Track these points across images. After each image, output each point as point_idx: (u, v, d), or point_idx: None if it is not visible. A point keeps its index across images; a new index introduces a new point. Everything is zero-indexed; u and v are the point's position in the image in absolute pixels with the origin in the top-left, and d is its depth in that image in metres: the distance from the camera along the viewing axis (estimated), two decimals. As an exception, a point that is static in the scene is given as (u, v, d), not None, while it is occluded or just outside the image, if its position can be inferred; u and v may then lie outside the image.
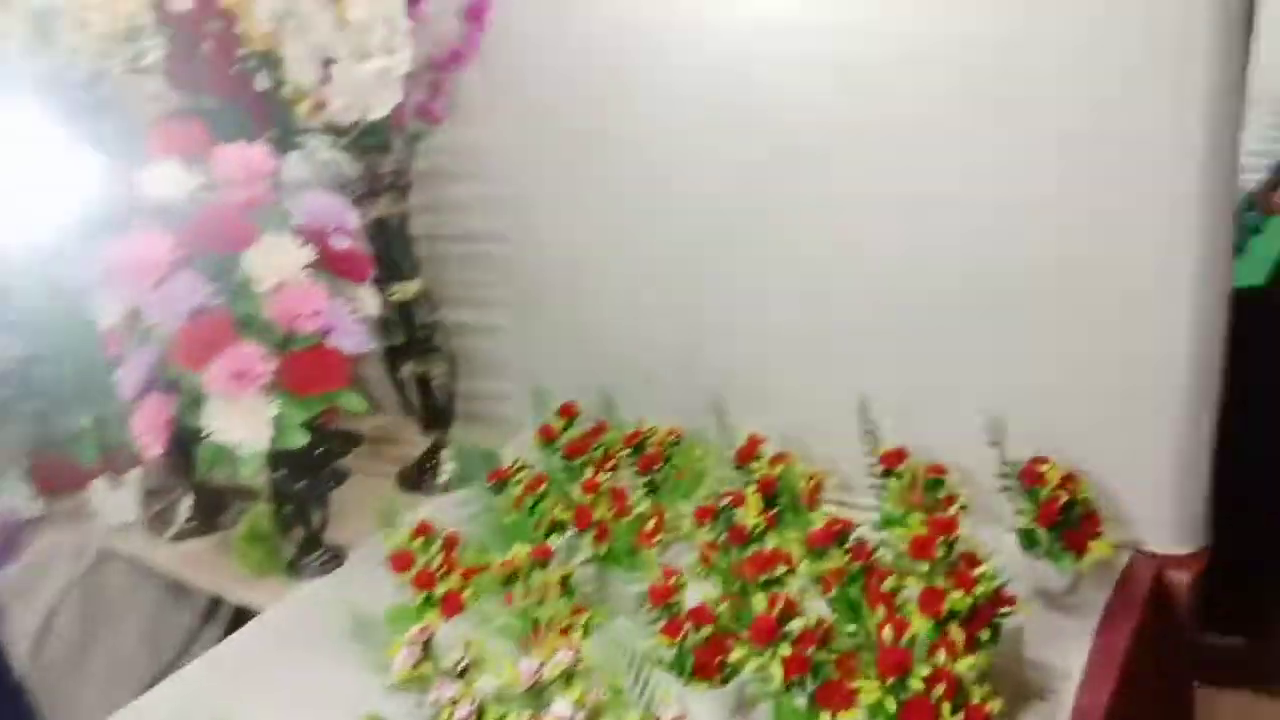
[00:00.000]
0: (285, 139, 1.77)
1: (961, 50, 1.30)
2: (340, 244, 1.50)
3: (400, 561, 1.45)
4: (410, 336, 1.87)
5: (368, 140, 1.66)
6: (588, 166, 1.75)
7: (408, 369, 1.88)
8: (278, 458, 1.56)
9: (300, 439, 1.48)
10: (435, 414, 1.93)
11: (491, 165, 1.87)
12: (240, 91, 1.69)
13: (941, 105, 1.34)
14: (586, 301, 1.86)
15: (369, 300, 1.59)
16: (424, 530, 1.51)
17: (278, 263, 1.40)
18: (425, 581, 1.43)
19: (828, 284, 1.54)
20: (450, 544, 1.47)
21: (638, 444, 1.66)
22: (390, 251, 1.80)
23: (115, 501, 2.00)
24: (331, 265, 1.52)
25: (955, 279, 1.41)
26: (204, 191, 1.44)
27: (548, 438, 1.76)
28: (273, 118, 1.72)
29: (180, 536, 1.94)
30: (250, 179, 1.45)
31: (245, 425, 1.41)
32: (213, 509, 1.97)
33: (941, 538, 1.22)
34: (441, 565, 1.43)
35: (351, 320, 1.51)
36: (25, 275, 1.84)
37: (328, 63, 1.52)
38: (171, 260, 1.36)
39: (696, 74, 1.54)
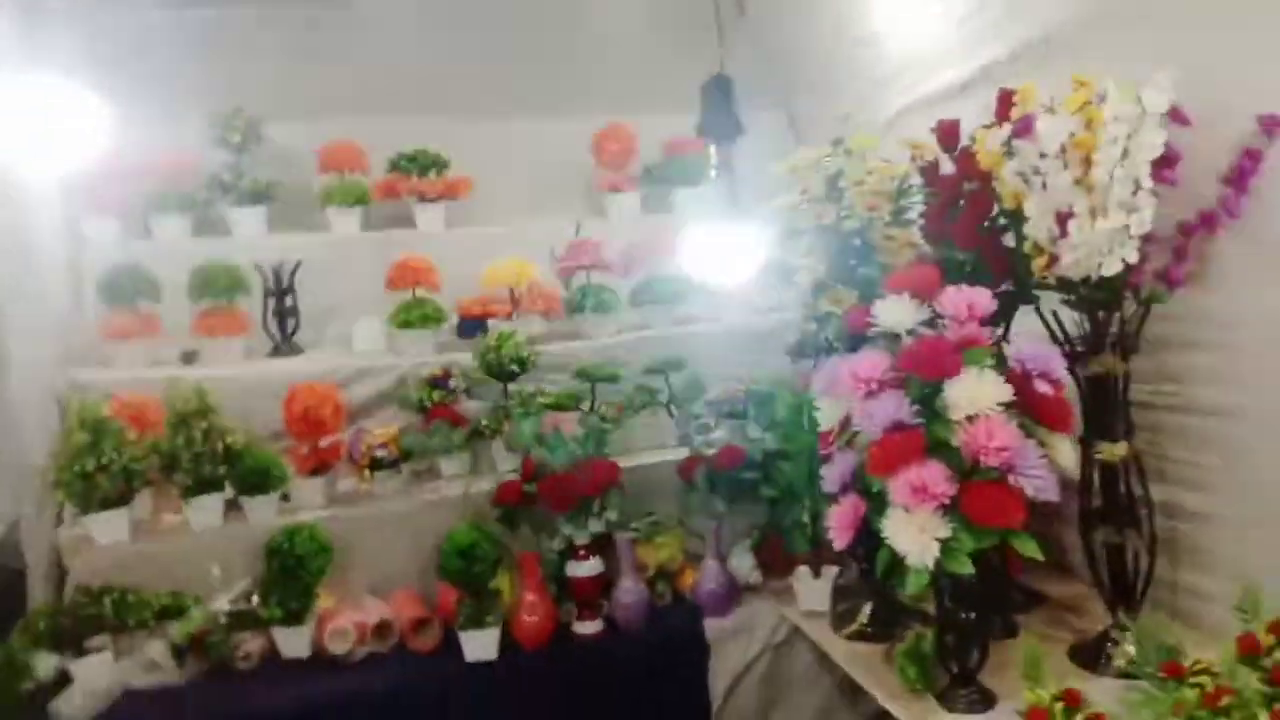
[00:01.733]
0: (1021, 291, 1.89)
1: None
2: (1043, 389, 1.54)
3: (1035, 717, 1.40)
4: (1109, 502, 1.79)
5: (1096, 296, 1.68)
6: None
7: (1100, 536, 1.80)
8: (954, 586, 1.65)
9: (966, 567, 1.53)
10: (1124, 591, 1.80)
11: (1231, 336, 1.71)
12: (985, 245, 1.86)
13: None
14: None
15: (1065, 451, 1.59)
16: (1072, 699, 1.43)
17: (974, 395, 1.50)
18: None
19: None
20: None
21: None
22: (1103, 410, 1.77)
23: (812, 590, 2.27)
24: (1032, 409, 1.56)
25: None
26: (927, 326, 1.62)
27: (1248, 649, 1.51)
28: (1012, 271, 1.86)
29: (855, 636, 2.12)
30: (969, 318, 1.58)
31: (916, 538, 1.52)
32: (889, 619, 2.11)
33: None
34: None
35: (1041, 465, 1.53)
36: (782, 384, 2.25)
37: (1065, 219, 1.59)
38: (883, 378, 1.56)
39: None
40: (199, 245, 2.87)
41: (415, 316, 2.73)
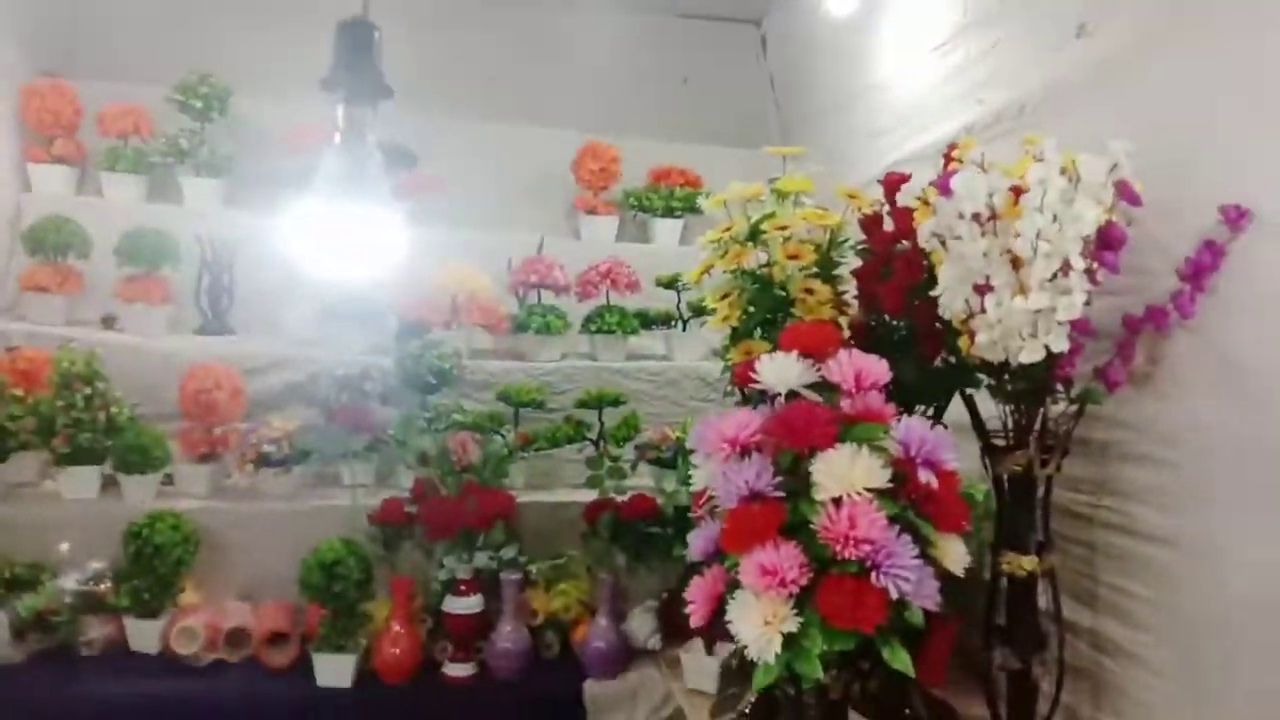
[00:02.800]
0: (959, 371, 1.68)
1: None
2: (925, 479, 1.34)
3: None
4: (1014, 622, 1.57)
5: (1018, 385, 1.47)
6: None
7: (998, 658, 1.58)
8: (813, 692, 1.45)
9: (815, 670, 1.33)
10: (1018, 715, 1.57)
11: (1173, 452, 1.48)
12: (917, 314, 1.66)
13: None
14: (1256, 663, 1.33)
15: (951, 554, 1.38)
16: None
17: (842, 475, 1.30)
18: None
19: None
20: None
21: None
22: (1016, 515, 1.55)
23: (701, 667, 2.06)
24: (915, 501, 1.36)
25: None
26: (809, 390, 1.42)
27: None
28: (943, 345, 1.66)
29: (730, 726, 1.90)
30: (857, 388, 1.39)
31: (758, 629, 1.32)
32: (771, 711, 1.89)
33: None
34: None
35: (916, 566, 1.32)
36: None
37: (984, 292, 1.39)
38: (747, 441, 1.36)
39: None
40: (149, 210, 2.77)
41: (346, 311, 2.59)
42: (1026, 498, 1.53)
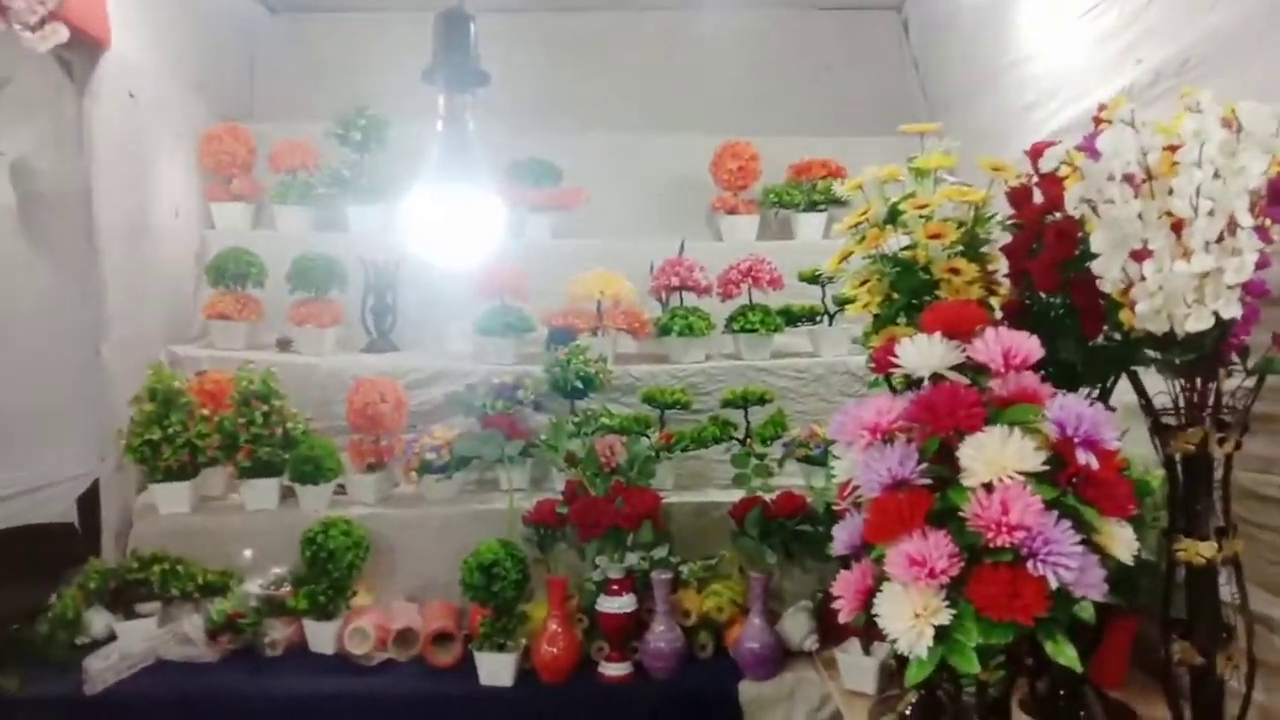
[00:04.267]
0: (1122, 347, 1.58)
1: None
2: (1086, 460, 1.25)
3: None
4: (1194, 614, 1.44)
5: (1186, 357, 1.36)
6: None
7: (1179, 652, 1.46)
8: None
9: (970, 665, 1.26)
10: (1197, 710, 1.45)
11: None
12: (1074, 289, 1.57)
13: None
14: None
15: (1118, 540, 1.29)
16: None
17: (992, 458, 1.24)
18: None
19: None
20: None
21: None
22: (1192, 500, 1.43)
23: (858, 667, 2.01)
24: (1074, 484, 1.28)
25: None
26: (955, 372, 1.36)
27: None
28: (1104, 321, 1.55)
29: (889, 727, 1.84)
30: (1007, 367, 1.32)
31: (908, 622, 1.27)
32: (933, 712, 1.82)
33: None
34: None
35: (1078, 553, 1.24)
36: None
37: (1142, 258, 1.29)
38: (888, 427, 1.32)
39: None
40: (317, 239, 2.96)
41: (498, 324, 2.68)
42: (1202, 479, 1.41)
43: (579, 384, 2.45)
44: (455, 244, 2.06)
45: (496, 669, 2.10)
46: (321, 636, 2.23)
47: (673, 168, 3.16)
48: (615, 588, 2.14)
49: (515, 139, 3.07)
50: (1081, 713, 1.72)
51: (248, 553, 2.24)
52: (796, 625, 2.21)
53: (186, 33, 2.94)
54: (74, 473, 2.46)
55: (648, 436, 2.42)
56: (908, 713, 1.85)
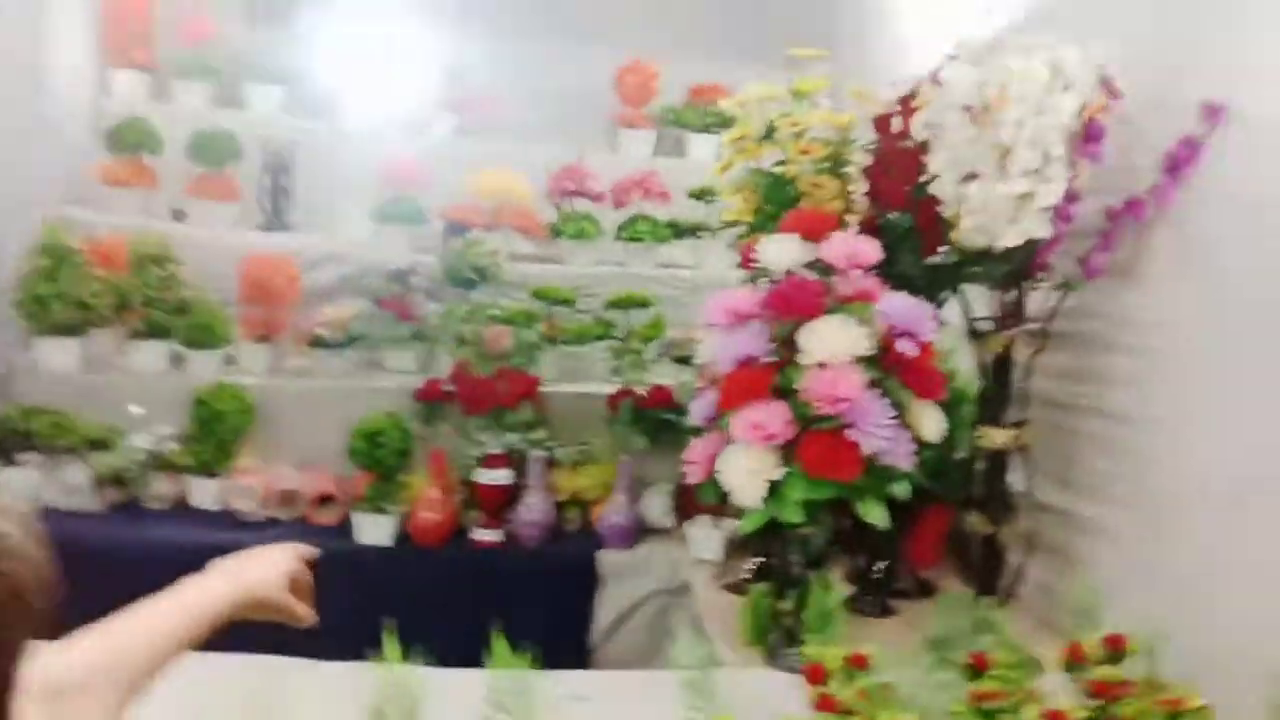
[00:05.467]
0: (958, 265, 1.79)
1: None
2: (905, 349, 1.47)
3: (815, 674, 1.34)
4: (989, 491, 1.70)
5: (997, 270, 1.59)
6: (1254, 357, 1.37)
7: (972, 521, 1.71)
8: (796, 541, 1.60)
9: (795, 516, 1.48)
10: (990, 585, 1.72)
11: (1152, 340, 1.59)
12: (920, 210, 1.77)
13: None
14: (1215, 518, 1.45)
15: (928, 420, 1.51)
16: (857, 662, 1.36)
17: (827, 341, 1.44)
18: (827, 706, 1.29)
19: None
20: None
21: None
22: (996, 393, 1.67)
23: (707, 537, 2.23)
24: (894, 369, 1.49)
25: None
26: (807, 269, 1.55)
27: (1074, 658, 1.42)
28: (941, 239, 1.77)
29: (731, 587, 2.06)
30: (848, 267, 1.51)
31: (746, 476, 1.47)
32: (774, 575, 2.04)
33: None
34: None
35: (891, 427, 1.46)
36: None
37: (971, 180, 1.50)
38: (746, 311, 1.50)
39: None
40: (215, 115, 2.95)
41: (395, 212, 2.76)
42: (1005, 377, 1.66)
43: (473, 275, 2.57)
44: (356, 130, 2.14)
45: (376, 530, 2.25)
46: (205, 492, 2.33)
47: (576, 79, 3.25)
48: (494, 462, 2.30)
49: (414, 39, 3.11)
50: (892, 584, 2.00)
51: (135, 408, 2.30)
52: (656, 504, 2.43)
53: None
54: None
55: (533, 329, 2.57)
56: (748, 575, 2.10)
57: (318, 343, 2.47)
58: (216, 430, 2.29)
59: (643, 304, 2.66)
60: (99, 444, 2.32)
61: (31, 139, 2.59)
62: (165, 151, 2.81)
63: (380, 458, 2.22)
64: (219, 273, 2.65)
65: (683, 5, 3.33)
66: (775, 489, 1.48)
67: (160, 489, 2.31)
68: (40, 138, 2.65)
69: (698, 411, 1.66)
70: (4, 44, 2.42)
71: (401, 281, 2.58)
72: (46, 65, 2.67)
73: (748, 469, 1.48)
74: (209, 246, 2.70)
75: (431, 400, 2.34)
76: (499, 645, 1.15)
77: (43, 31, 2.65)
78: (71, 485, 2.26)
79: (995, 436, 1.65)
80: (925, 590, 2.08)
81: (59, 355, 2.39)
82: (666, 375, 2.55)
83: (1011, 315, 1.64)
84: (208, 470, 2.30)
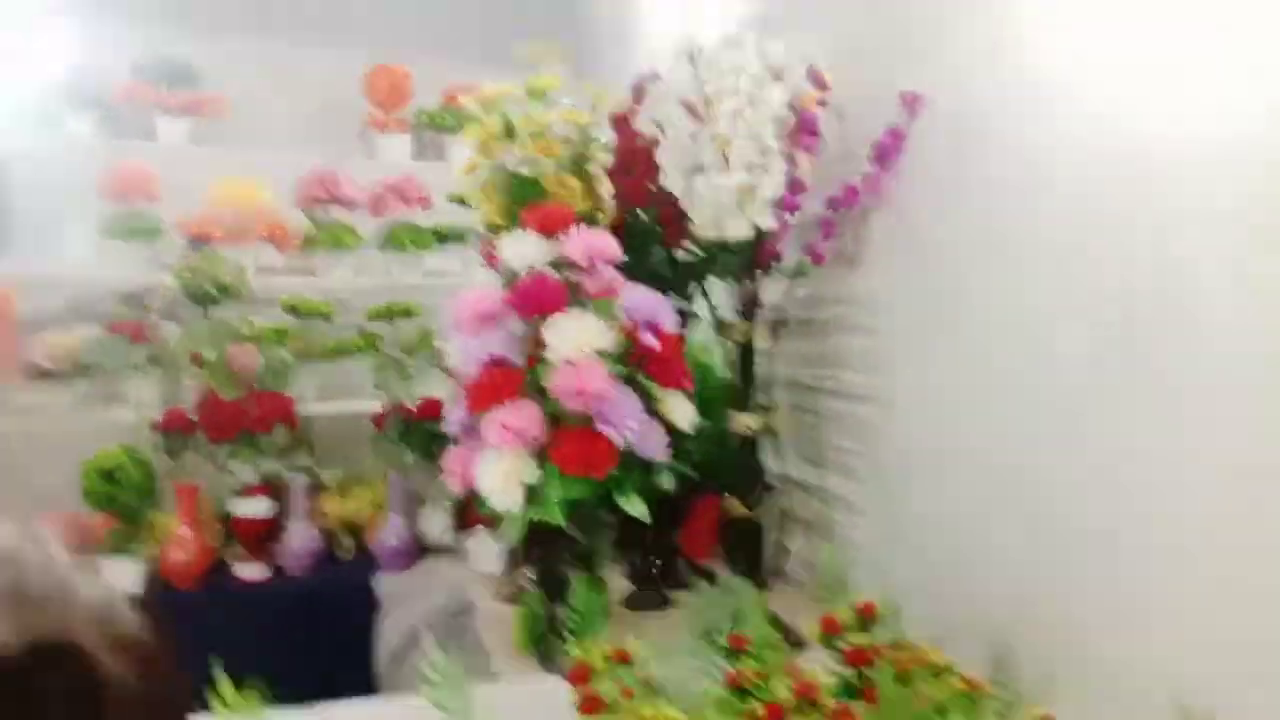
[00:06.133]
0: (705, 260, 1.84)
1: None
2: (648, 341, 1.49)
3: (578, 675, 1.34)
4: (742, 475, 1.76)
5: (733, 262, 1.64)
6: (955, 332, 1.49)
7: (727, 504, 1.77)
8: (551, 540, 1.58)
9: (556, 516, 1.47)
10: (751, 566, 1.78)
11: (878, 321, 1.70)
12: (661, 205, 1.81)
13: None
14: (927, 486, 1.56)
15: (678, 410, 1.54)
16: (621, 657, 1.37)
17: (572, 336, 1.44)
18: (591, 706, 1.29)
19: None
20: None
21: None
22: (743, 381, 1.74)
23: (486, 550, 2.19)
24: (640, 362, 1.51)
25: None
26: (551, 267, 1.55)
27: (828, 630, 1.49)
28: (683, 234, 1.81)
29: (508, 598, 2.04)
30: (589, 261, 1.52)
31: (503, 481, 1.45)
32: (550, 583, 2.03)
33: None
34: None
35: (642, 419, 1.48)
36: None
37: (695, 173, 1.54)
38: (489, 311, 1.48)
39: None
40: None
41: (124, 228, 2.55)
42: (749, 365, 1.72)
43: (214, 291, 2.40)
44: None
45: (121, 576, 2.06)
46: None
47: (324, 81, 3.12)
48: (251, 492, 2.16)
49: (141, 34, 2.89)
50: (670, 577, 2.03)
51: None
52: (434, 521, 2.36)
53: None
54: None
55: (283, 346, 2.44)
56: (524, 585, 2.07)
57: (43, 375, 2.24)
58: (-80, 483, 2.03)
59: (407, 314, 2.58)
60: None
61: None
62: None
63: (119, 497, 2.04)
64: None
65: (434, 4, 3.26)
66: (535, 492, 1.47)
67: None
68: None
69: (452, 419, 1.62)
70: None
71: (135, 303, 2.38)
72: None
73: (503, 473, 1.45)
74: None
75: (175, 430, 2.16)
76: (224, 686, 1.07)
77: None
78: None
79: (743, 420, 1.71)
80: (707, 581, 2.13)
81: None
82: (438, 387, 2.49)
83: (751, 305, 1.70)
84: (-90, 530, 2.03)
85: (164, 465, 2.19)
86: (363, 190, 2.82)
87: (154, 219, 2.60)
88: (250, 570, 2.18)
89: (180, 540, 2.11)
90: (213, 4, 2.97)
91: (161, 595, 2.10)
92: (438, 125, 3.12)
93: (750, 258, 1.63)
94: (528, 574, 2.05)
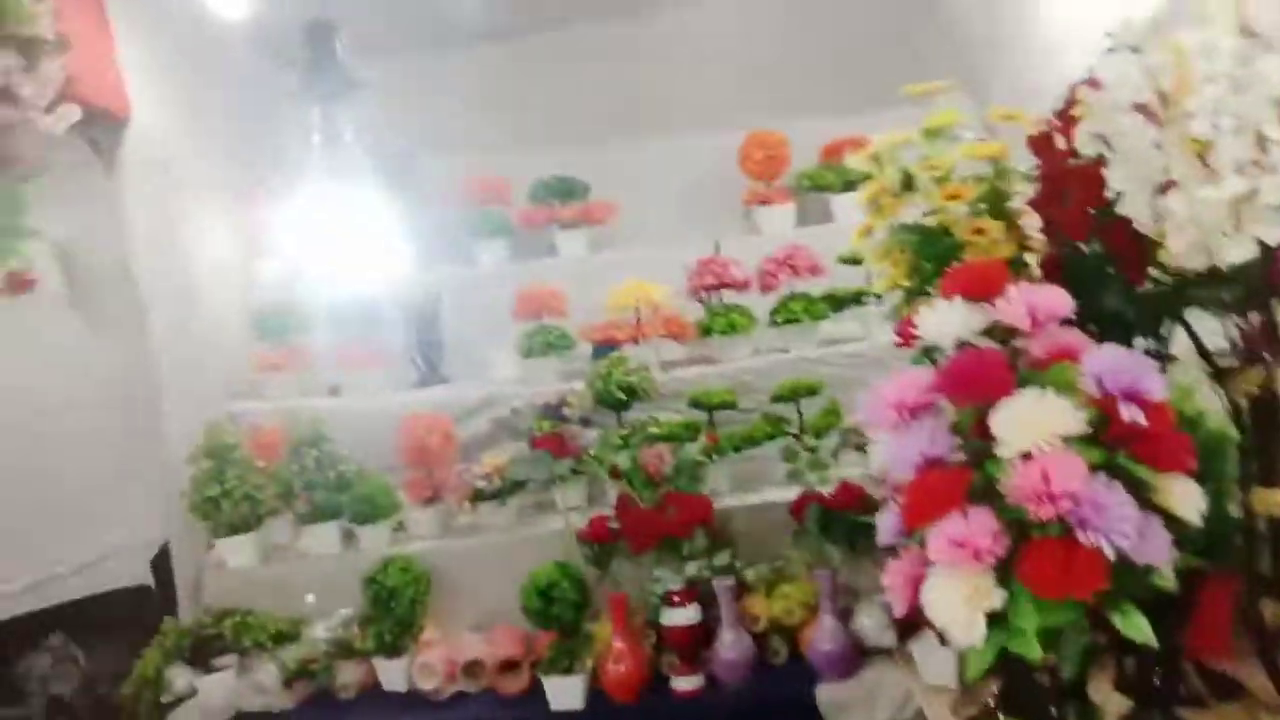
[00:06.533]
0: (1175, 291, 1.46)
1: None
2: (1130, 415, 1.16)
3: None
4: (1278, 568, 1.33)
5: (1228, 292, 1.25)
6: None
7: (1270, 612, 1.34)
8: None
9: (1032, 650, 1.18)
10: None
11: None
12: (1110, 235, 1.46)
13: None
14: None
15: (1180, 496, 1.19)
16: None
17: (1029, 424, 1.15)
18: None
19: None
20: None
21: None
22: (1262, 444, 1.31)
23: (936, 658, 1.91)
24: (1120, 442, 1.18)
25: None
26: (984, 337, 1.28)
27: None
28: (1147, 264, 1.45)
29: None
30: (1034, 324, 1.23)
31: (960, 608, 1.19)
32: (1025, 701, 1.71)
33: None
34: None
35: (1136, 517, 1.14)
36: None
37: (1167, 189, 1.20)
38: (915, 404, 1.24)
39: None
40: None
41: (539, 344, 2.66)
42: (1269, 422, 1.30)
43: (622, 395, 2.41)
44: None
45: (565, 693, 2.07)
46: (392, 674, 2.23)
47: (699, 166, 3.10)
48: (677, 599, 2.08)
49: (531, 159, 3.08)
50: (1180, 689, 1.61)
51: (310, 597, 2.26)
52: (871, 621, 2.12)
53: (210, 97, 3.01)
54: (146, 537, 2.52)
55: (695, 441, 2.37)
56: (991, 704, 1.76)
57: (479, 495, 2.37)
58: (392, 608, 2.20)
59: (811, 391, 2.41)
60: (285, 637, 2.28)
61: (190, 341, 2.67)
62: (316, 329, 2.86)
63: (556, 614, 2.05)
64: (379, 439, 2.62)
65: (792, 64, 3.13)
66: (999, 617, 1.19)
67: (348, 677, 2.23)
68: (198, 339, 2.73)
69: (885, 528, 1.39)
70: (147, 252, 2.51)
71: (552, 415, 2.45)
72: (192, 267, 2.77)
73: (962, 599, 1.19)
74: (366, 414, 2.68)
75: (599, 540, 2.16)
76: None
77: (183, 235, 2.75)
78: (262, 685, 2.22)
79: (1271, 500, 1.28)
80: (1224, 689, 1.67)
81: (239, 552, 2.40)
82: (853, 468, 2.28)
83: (1258, 343, 1.29)
84: (391, 649, 2.21)
85: (593, 575, 2.19)
86: (750, 270, 2.72)
87: (564, 332, 2.69)
88: (685, 683, 2.09)
89: (616, 652, 2.08)
90: (587, 114, 3.08)
91: (603, 708, 2.08)
92: (819, 186, 2.96)
93: (1258, 283, 1.23)
94: (993, 692, 1.75)
